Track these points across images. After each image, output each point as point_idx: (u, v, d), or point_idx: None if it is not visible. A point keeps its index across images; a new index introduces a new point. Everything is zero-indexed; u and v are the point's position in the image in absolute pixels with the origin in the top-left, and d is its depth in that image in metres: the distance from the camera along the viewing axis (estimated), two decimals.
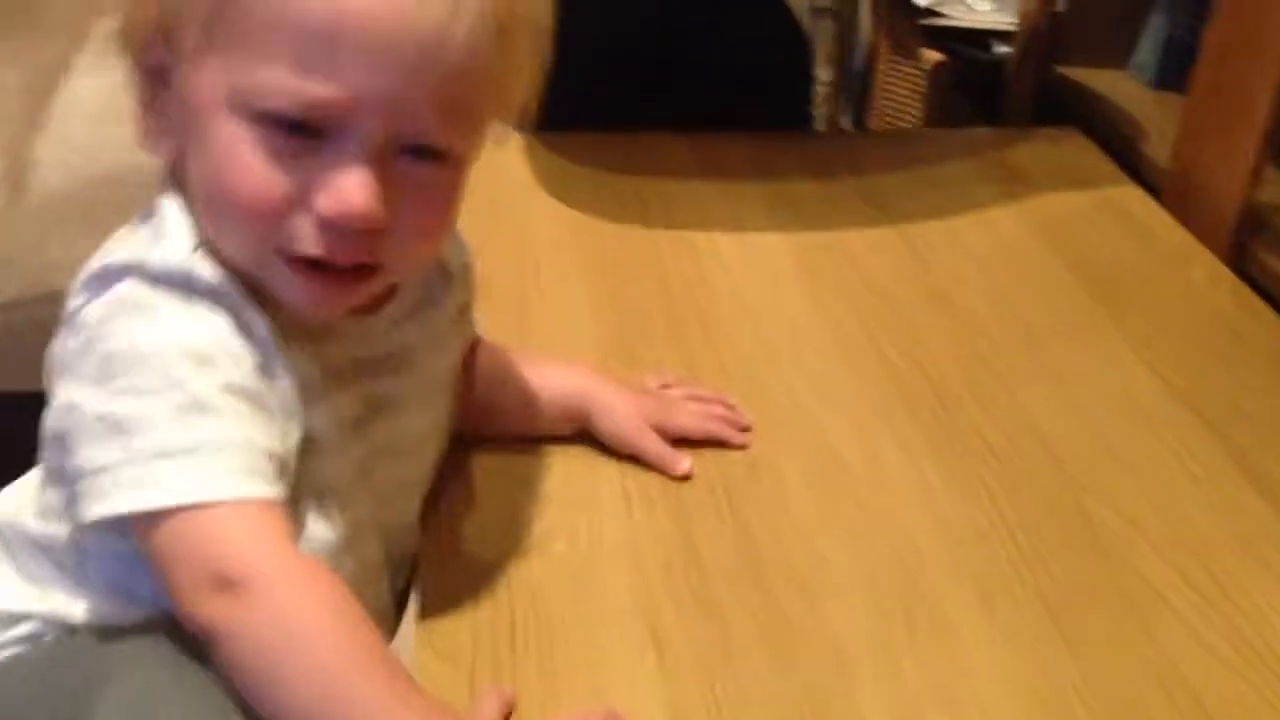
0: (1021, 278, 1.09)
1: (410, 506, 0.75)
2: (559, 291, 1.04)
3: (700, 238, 1.13)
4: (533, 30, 0.64)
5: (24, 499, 0.67)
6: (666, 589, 0.75)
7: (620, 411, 0.84)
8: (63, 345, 0.62)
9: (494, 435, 0.84)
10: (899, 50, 1.66)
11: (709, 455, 0.85)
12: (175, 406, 0.58)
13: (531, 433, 0.85)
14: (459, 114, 0.61)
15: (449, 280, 0.74)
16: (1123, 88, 1.46)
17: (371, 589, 0.71)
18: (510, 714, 0.66)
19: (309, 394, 0.64)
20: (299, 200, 0.59)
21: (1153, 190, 1.25)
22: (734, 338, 0.99)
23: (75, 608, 0.64)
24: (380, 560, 0.72)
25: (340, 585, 0.59)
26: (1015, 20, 1.48)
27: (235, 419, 0.59)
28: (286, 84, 0.58)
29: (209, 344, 0.60)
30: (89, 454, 0.59)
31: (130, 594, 0.63)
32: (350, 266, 0.61)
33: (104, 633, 0.63)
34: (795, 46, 1.39)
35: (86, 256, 0.64)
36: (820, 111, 1.57)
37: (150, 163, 0.65)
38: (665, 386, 0.90)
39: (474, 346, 0.81)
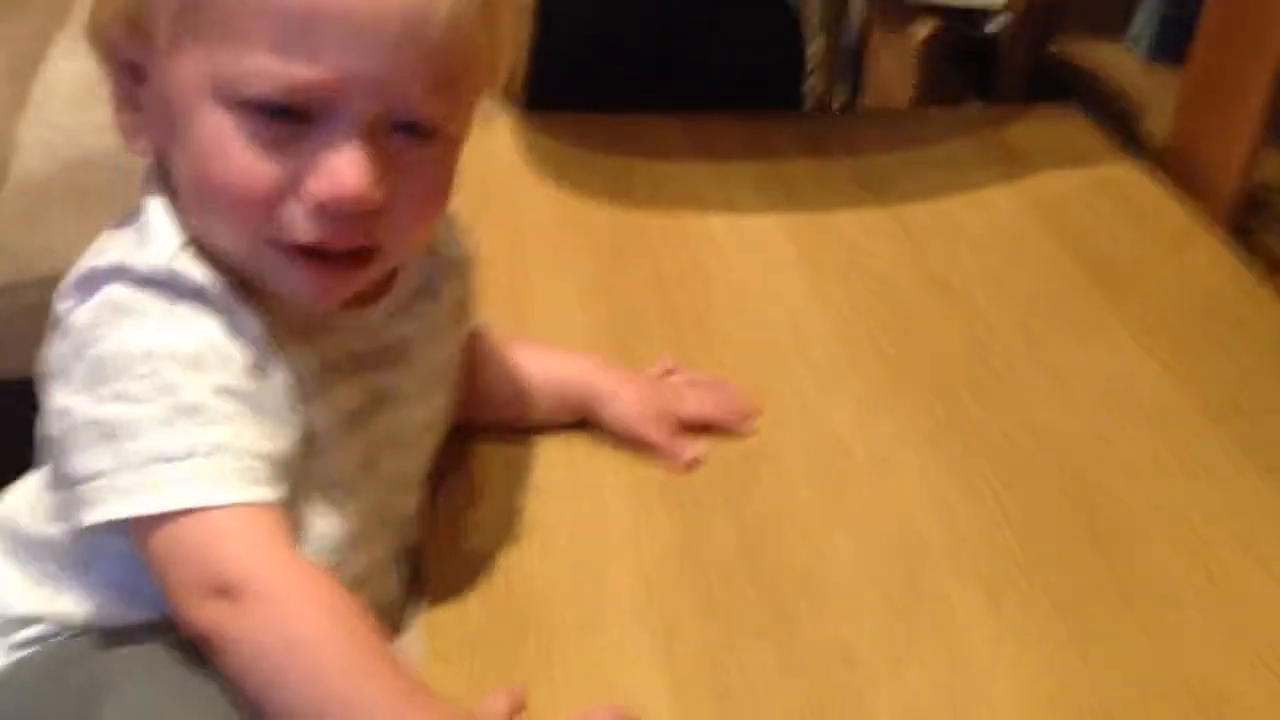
0: (1020, 262, 1.08)
1: (411, 498, 0.74)
2: (549, 277, 1.03)
3: (693, 221, 1.12)
4: None
5: (27, 501, 0.66)
6: (670, 584, 0.74)
7: (624, 399, 0.83)
8: (52, 350, 0.61)
9: (495, 424, 0.84)
10: (890, 23, 1.65)
11: (712, 447, 0.84)
12: (167, 411, 0.57)
13: (533, 422, 0.84)
14: (447, 88, 0.60)
15: (447, 272, 0.73)
16: (1118, 60, 1.45)
17: (381, 582, 0.71)
18: (520, 713, 0.65)
19: (306, 391, 0.63)
20: (290, 187, 0.58)
21: (1150, 164, 1.24)
22: (729, 325, 0.98)
23: (82, 609, 0.64)
24: (388, 553, 0.72)
25: (338, 587, 0.58)
26: None
27: (228, 422, 0.58)
28: (269, 69, 0.56)
29: (199, 347, 0.59)
30: (82, 460, 0.58)
31: (136, 593, 0.62)
32: (347, 252, 0.60)
33: (111, 635, 0.63)
34: (794, 47, 1.38)
35: (73, 240, 0.63)
36: (811, 85, 1.55)
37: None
38: (667, 373, 0.89)
39: (474, 335, 0.80)
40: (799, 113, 1.40)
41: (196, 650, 0.58)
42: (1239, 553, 0.78)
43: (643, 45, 1.29)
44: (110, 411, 0.57)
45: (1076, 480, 0.83)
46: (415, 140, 0.60)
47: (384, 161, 0.58)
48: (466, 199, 0.70)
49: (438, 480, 0.78)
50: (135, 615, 0.63)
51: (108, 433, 0.57)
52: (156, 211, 0.62)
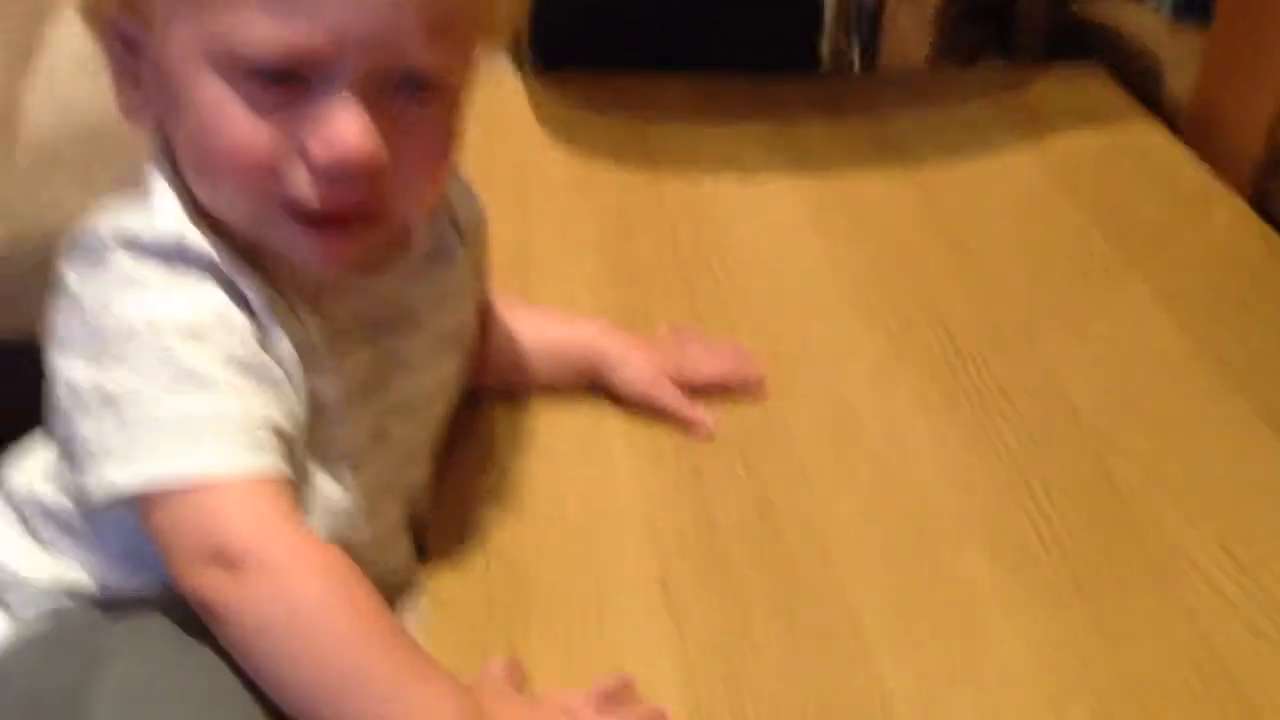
0: (1040, 225, 1.06)
1: (423, 465, 0.74)
2: (558, 240, 1.02)
3: (705, 184, 1.10)
4: None
5: (35, 467, 0.66)
6: (680, 551, 0.73)
7: (633, 364, 0.83)
8: (56, 318, 0.60)
9: (502, 390, 0.83)
10: None
11: (722, 413, 0.83)
12: (170, 380, 0.56)
13: (542, 385, 0.83)
14: (446, 39, 0.58)
15: (460, 236, 0.72)
16: (1141, 19, 1.42)
17: (393, 551, 0.71)
18: (520, 680, 0.65)
19: (314, 359, 0.62)
20: (292, 152, 0.57)
21: (1172, 126, 1.22)
22: (741, 289, 0.97)
23: (88, 576, 0.64)
24: (399, 522, 0.71)
25: (342, 558, 0.58)
26: None
27: (232, 392, 0.57)
28: (263, 32, 0.55)
29: (202, 316, 0.58)
30: (85, 428, 0.57)
31: (141, 561, 0.61)
32: (354, 214, 0.59)
33: (115, 604, 0.62)
34: (809, 5, 1.36)
35: (80, 203, 0.62)
36: (826, 45, 1.53)
37: None
38: (677, 336, 0.88)
39: (487, 300, 0.79)
40: (814, 73, 1.38)
41: (199, 621, 0.57)
42: (1257, 520, 0.76)
43: (654, 3, 1.27)
44: (113, 380, 0.57)
45: (1094, 446, 0.81)
46: (417, 97, 0.59)
47: (386, 120, 0.57)
48: (474, 161, 0.68)
49: (448, 448, 0.77)
50: (140, 583, 0.62)
51: (110, 401, 0.56)
52: (160, 180, 0.61)
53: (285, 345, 0.60)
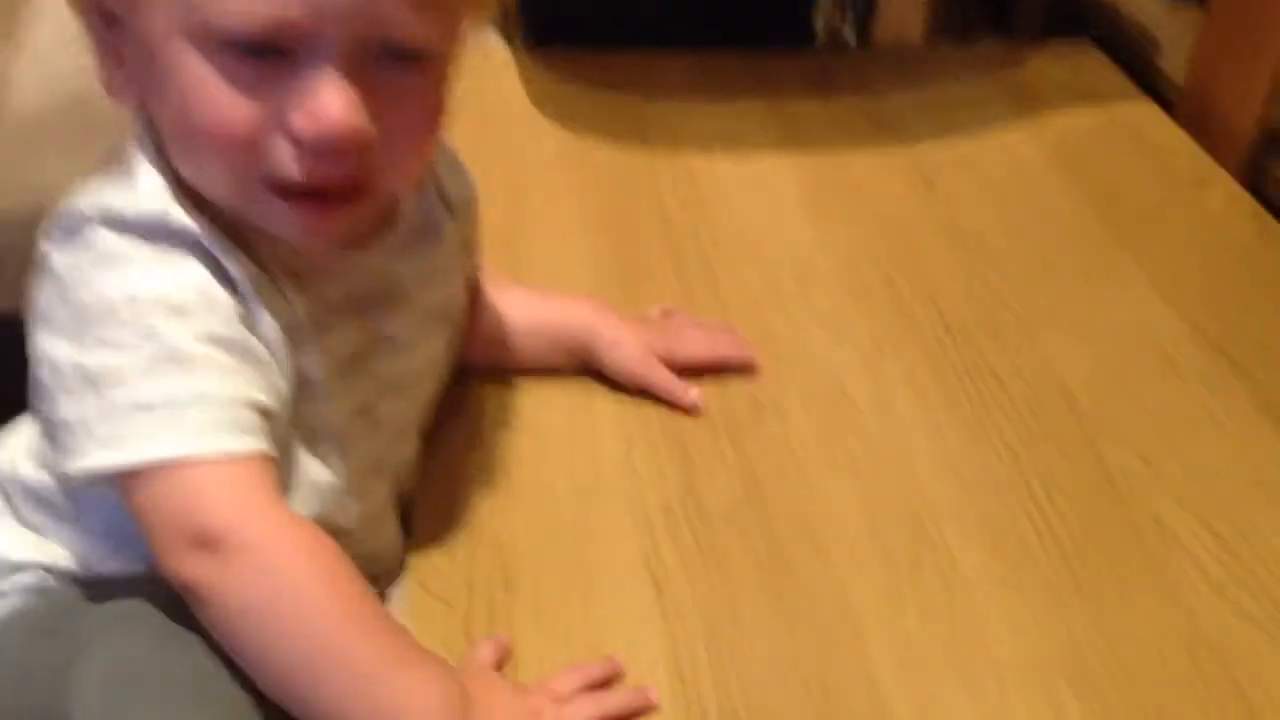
0: (1035, 206, 1.06)
1: (411, 444, 0.73)
2: (551, 217, 1.02)
3: (700, 162, 1.10)
4: None
5: (19, 446, 0.66)
6: (668, 533, 0.73)
7: (626, 344, 0.82)
8: (38, 294, 0.60)
9: (492, 369, 0.82)
10: None
11: (712, 393, 0.82)
12: (151, 359, 0.56)
13: (531, 367, 0.83)
14: (431, 9, 0.57)
15: (449, 213, 0.71)
16: None
17: (379, 530, 0.70)
18: (506, 662, 0.64)
19: (300, 336, 0.61)
20: (274, 125, 0.56)
21: (1167, 105, 1.21)
22: (734, 267, 0.96)
23: (72, 556, 0.63)
24: (387, 500, 0.71)
25: (325, 539, 0.57)
26: None
27: (215, 370, 0.57)
28: (241, 4, 0.54)
29: (184, 293, 0.57)
30: (66, 407, 0.57)
31: (124, 541, 0.61)
32: (339, 188, 0.58)
33: (100, 585, 0.62)
34: None
35: (68, 176, 0.61)
36: (821, 21, 1.52)
37: None
38: (668, 317, 0.88)
39: (476, 278, 0.79)
40: (808, 49, 1.37)
41: (183, 603, 0.57)
42: (1256, 507, 0.76)
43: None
44: (94, 358, 0.56)
45: (1086, 428, 0.81)
46: (402, 66, 0.57)
47: (371, 91, 0.56)
48: (466, 137, 0.68)
49: (436, 427, 0.76)
50: (125, 564, 0.62)
51: (91, 380, 0.56)
52: (143, 158, 0.60)
53: (269, 322, 0.60)
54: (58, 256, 0.59)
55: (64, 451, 0.57)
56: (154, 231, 0.58)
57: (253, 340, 0.59)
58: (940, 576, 0.71)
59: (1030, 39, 1.38)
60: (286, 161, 0.56)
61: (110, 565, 0.63)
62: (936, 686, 0.65)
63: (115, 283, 0.57)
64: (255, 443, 0.57)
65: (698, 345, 0.84)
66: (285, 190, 0.57)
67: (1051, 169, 1.11)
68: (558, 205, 1.03)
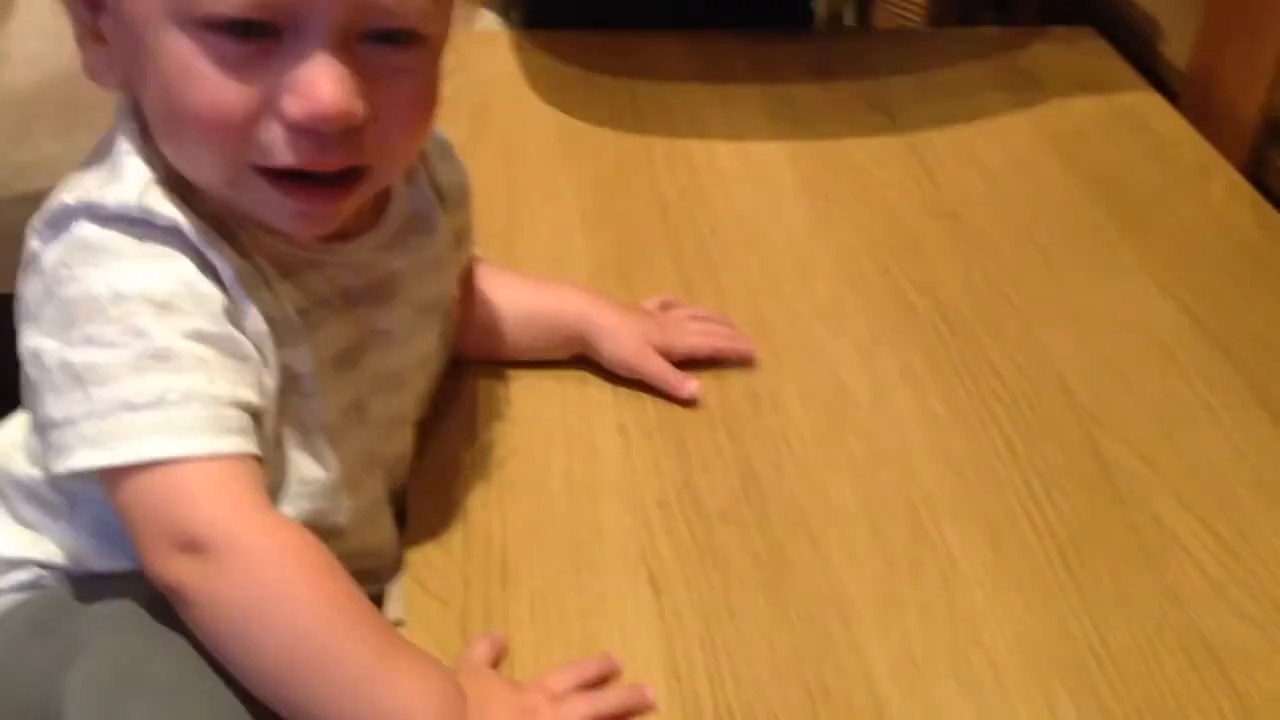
0: (1034, 195, 1.05)
1: (403, 440, 0.73)
2: (548, 201, 1.01)
3: (697, 147, 1.09)
4: None
5: (12, 443, 0.65)
6: (664, 528, 0.72)
7: (622, 335, 0.81)
8: (25, 289, 0.59)
9: (487, 360, 0.82)
10: None
11: (709, 386, 0.82)
12: (136, 356, 0.55)
13: (527, 357, 0.82)
14: None
15: (441, 203, 0.70)
16: None
17: (373, 525, 0.70)
18: (501, 660, 0.64)
19: (289, 332, 0.61)
20: (265, 108, 0.55)
21: (1169, 93, 1.20)
22: (731, 255, 0.96)
23: (65, 553, 0.63)
24: (382, 495, 0.70)
25: (313, 540, 0.57)
26: None
27: (200, 368, 0.56)
28: None
29: (170, 288, 0.56)
30: (53, 405, 0.56)
31: (115, 539, 0.60)
32: (333, 173, 0.57)
33: (92, 584, 0.62)
34: None
35: (60, 156, 0.60)
36: (820, 3, 1.51)
37: None
38: (666, 307, 0.87)
39: (470, 268, 0.78)
40: (807, 32, 1.36)
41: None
42: (1254, 504, 0.76)
43: None
44: (80, 355, 0.55)
45: (1085, 422, 0.81)
46: (393, 47, 0.56)
47: (362, 73, 0.55)
48: (462, 120, 0.66)
49: (430, 421, 0.76)
50: (117, 561, 0.61)
51: (77, 378, 0.55)
52: (127, 147, 0.59)
53: (256, 317, 0.59)
54: (43, 251, 0.58)
55: (52, 449, 0.57)
56: (138, 224, 0.57)
57: (240, 336, 0.58)
58: (939, 574, 0.70)
59: (1030, 24, 1.37)
60: (278, 145, 0.55)
61: (104, 562, 0.62)
62: (933, 685, 0.64)
63: (101, 278, 0.56)
64: (242, 443, 0.56)
65: (694, 338, 0.83)
66: (276, 175, 0.56)
67: (1051, 157, 1.10)
68: (554, 189, 1.02)
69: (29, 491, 0.64)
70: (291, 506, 0.62)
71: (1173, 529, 0.74)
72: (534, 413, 0.80)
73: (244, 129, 0.55)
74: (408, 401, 0.72)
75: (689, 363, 0.82)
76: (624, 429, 0.79)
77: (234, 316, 0.58)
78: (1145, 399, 0.83)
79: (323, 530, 0.60)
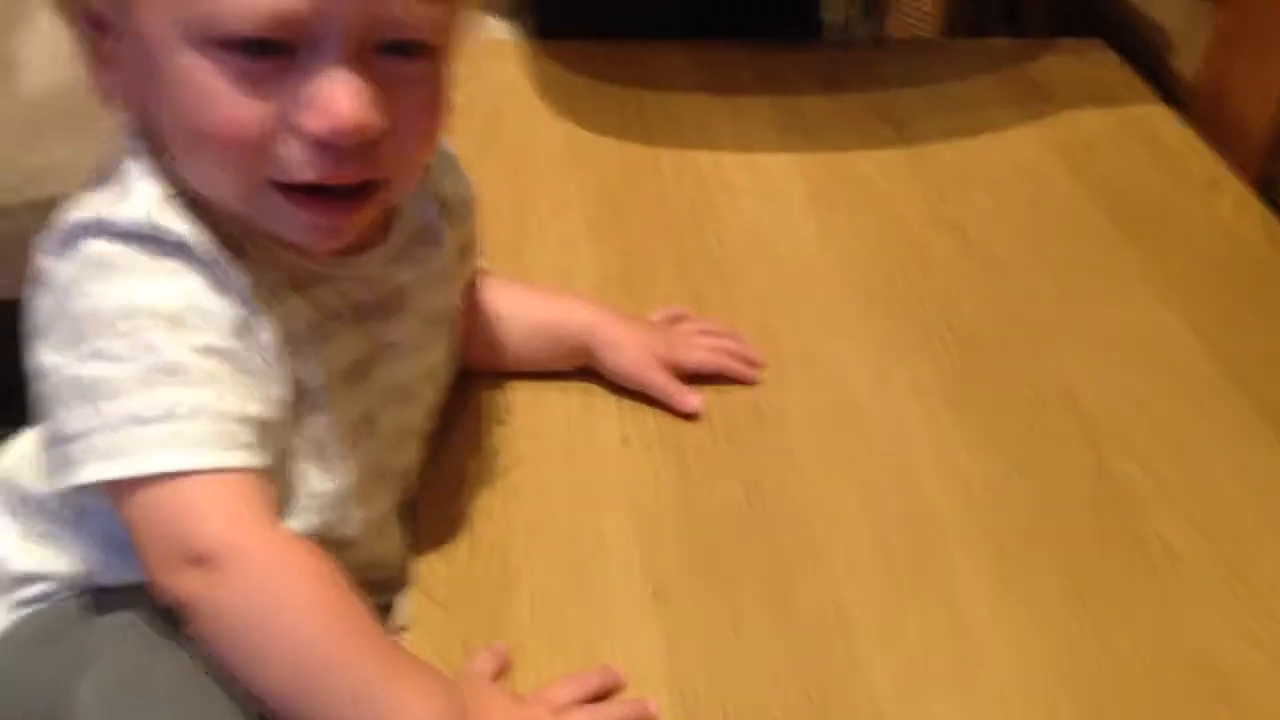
0: (1043, 207, 1.05)
1: (411, 452, 0.73)
2: (555, 212, 1.01)
3: (705, 158, 1.09)
4: None
5: (24, 457, 0.65)
6: (667, 541, 0.73)
7: (628, 348, 0.81)
8: (35, 305, 0.59)
9: (492, 371, 0.82)
10: None
11: (713, 399, 0.82)
12: (146, 371, 0.55)
13: (532, 369, 0.82)
14: None
15: (448, 216, 0.70)
16: None
17: (381, 537, 0.70)
18: (504, 673, 0.64)
19: (299, 345, 0.61)
20: (283, 125, 0.55)
21: (1179, 105, 1.20)
22: (739, 267, 0.96)
23: (76, 566, 0.63)
24: (390, 507, 0.71)
25: (319, 554, 0.57)
26: None
27: (210, 383, 0.56)
28: (240, 2, 0.53)
29: (180, 303, 0.57)
30: (63, 419, 0.56)
31: (125, 552, 0.60)
32: (351, 186, 0.57)
33: (102, 597, 0.62)
34: None
35: (72, 161, 0.60)
36: (830, 15, 1.51)
37: None
38: (673, 320, 0.87)
39: (475, 279, 0.78)
40: (816, 44, 1.36)
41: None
42: (1254, 525, 0.75)
43: None
44: (89, 370, 0.55)
45: (1092, 440, 0.80)
46: (405, 58, 0.57)
47: (377, 86, 0.55)
48: (472, 129, 0.66)
49: (436, 433, 0.76)
50: (124, 574, 0.61)
51: (87, 392, 0.55)
52: (137, 164, 0.59)
53: (266, 331, 0.59)
54: (53, 266, 0.58)
55: (61, 463, 0.57)
56: (148, 240, 0.57)
57: (251, 351, 0.58)
58: (943, 589, 0.70)
59: (1040, 36, 1.37)
60: (296, 161, 0.55)
61: (112, 575, 0.62)
62: (937, 700, 0.64)
63: (111, 294, 0.56)
64: (249, 458, 0.57)
65: (702, 354, 0.83)
66: (293, 190, 0.57)
67: (1061, 169, 1.10)
68: (563, 198, 1.02)
69: (38, 506, 0.64)
70: (301, 519, 0.62)
71: (1178, 549, 0.73)
72: (538, 424, 0.80)
73: (262, 146, 0.55)
74: (416, 413, 0.72)
75: (695, 375, 0.82)
76: (628, 441, 0.79)
77: (245, 331, 0.58)
78: (1153, 417, 0.83)
79: (332, 542, 0.61)
